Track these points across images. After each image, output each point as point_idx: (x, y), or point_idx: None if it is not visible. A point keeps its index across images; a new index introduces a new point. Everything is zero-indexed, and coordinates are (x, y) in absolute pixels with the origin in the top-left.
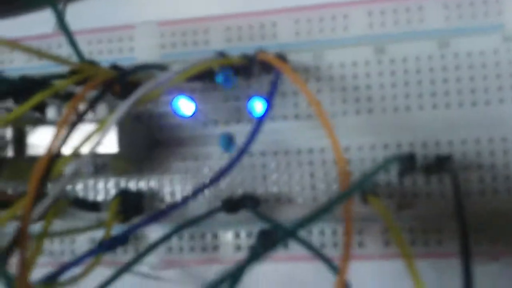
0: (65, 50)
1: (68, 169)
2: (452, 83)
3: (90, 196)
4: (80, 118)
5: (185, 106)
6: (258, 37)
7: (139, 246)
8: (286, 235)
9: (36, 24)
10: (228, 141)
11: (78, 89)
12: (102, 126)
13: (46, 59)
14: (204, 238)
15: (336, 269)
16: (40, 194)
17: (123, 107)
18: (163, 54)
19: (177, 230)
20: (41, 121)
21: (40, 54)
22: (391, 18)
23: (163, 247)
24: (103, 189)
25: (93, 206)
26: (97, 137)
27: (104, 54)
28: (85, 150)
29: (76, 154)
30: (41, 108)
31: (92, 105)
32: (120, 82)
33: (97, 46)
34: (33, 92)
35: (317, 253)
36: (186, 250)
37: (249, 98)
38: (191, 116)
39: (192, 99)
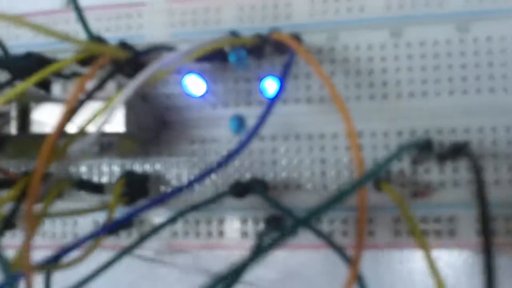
0: (73, 27)
1: (73, 148)
2: (470, 68)
3: (94, 178)
4: (89, 96)
5: (195, 85)
6: (271, 17)
7: (143, 230)
8: (298, 224)
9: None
10: (239, 123)
11: (82, 69)
12: (108, 105)
13: (51, 36)
14: (209, 224)
15: (348, 259)
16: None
17: (131, 87)
18: (173, 32)
19: (182, 213)
20: (46, 98)
21: (45, 31)
22: (409, 0)
23: (168, 232)
24: (108, 171)
25: (97, 188)
26: (104, 116)
27: (112, 31)
28: (91, 128)
29: (83, 133)
30: (45, 85)
31: (101, 84)
32: (132, 63)
33: (105, 23)
34: (38, 68)
35: (330, 243)
36: (191, 235)
37: (260, 79)
38: (202, 96)
39: (203, 78)
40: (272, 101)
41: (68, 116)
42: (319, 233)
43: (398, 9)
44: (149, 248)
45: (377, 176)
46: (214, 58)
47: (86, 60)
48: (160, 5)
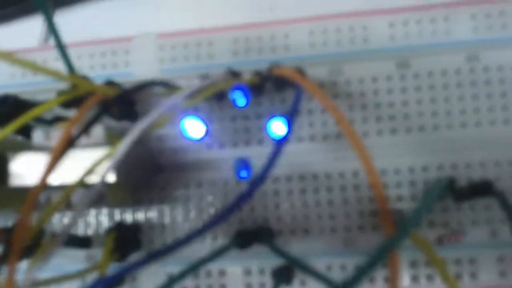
0: (51, 65)
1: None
2: (483, 99)
3: (80, 230)
4: (73, 142)
5: (194, 128)
6: (268, 50)
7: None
8: None
9: (19, 37)
10: (244, 167)
11: (65, 112)
12: (111, 154)
13: (43, 73)
14: (210, 276)
15: None
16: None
17: (135, 132)
18: (162, 69)
19: (182, 275)
20: (26, 146)
21: (35, 68)
22: (415, 29)
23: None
24: (95, 222)
25: (84, 242)
26: (106, 166)
27: (97, 69)
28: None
29: (80, 185)
30: (25, 131)
31: (88, 127)
32: (122, 102)
33: (88, 61)
34: (16, 113)
35: None
36: None
37: (259, 117)
38: (201, 139)
39: (203, 120)
40: (280, 143)
41: (54, 165)
42: None
43: (404, 39)
44: None
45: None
46: (209, 97)
47: (70, 102)
48: (148, 40)
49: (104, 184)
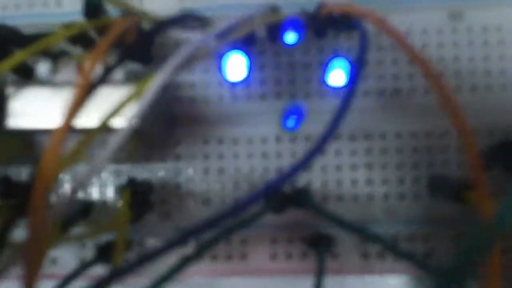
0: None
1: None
2: None
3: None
4: (103, 79)
5: (235, 66)
6: None
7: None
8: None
9: None
10: (296, 115)
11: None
12: (138, 94)
13: None
14: (230, 244)
15: None
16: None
17: (168, 69)
18: (183, 9)
19: (218, 237)
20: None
21: None
22: None
23: (177, 256)
24: (98, 183)
25: (84, 212)
26: (133, 108)
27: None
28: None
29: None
30: (24, 70)
31: (117, 64)
32: (152, 36)
33: None
34: (13, 46)
35: None
36: (206, 259)
37: (305, 66)
38: (241, 82)
39: (248, 55)
40: (350, 90)
41: (80, 104)
42: None
43: None
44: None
45: None
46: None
47: (79, 38)
48: None
49: (132, 130)
